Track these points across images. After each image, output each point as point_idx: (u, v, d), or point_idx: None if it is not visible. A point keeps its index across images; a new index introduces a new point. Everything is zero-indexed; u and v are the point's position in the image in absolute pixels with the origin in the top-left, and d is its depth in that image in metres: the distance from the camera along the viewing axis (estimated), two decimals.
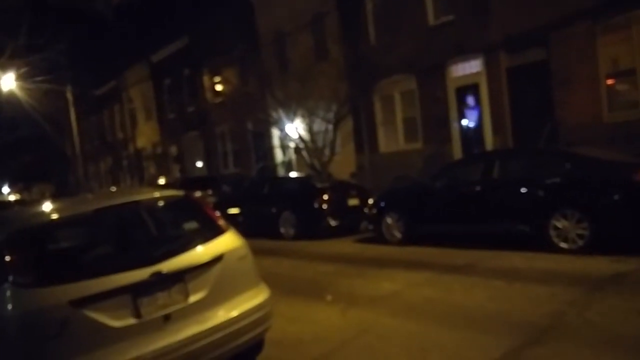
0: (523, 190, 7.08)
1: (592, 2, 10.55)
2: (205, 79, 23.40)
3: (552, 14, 11.21)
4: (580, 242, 6.40)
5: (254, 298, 3.79)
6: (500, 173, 7.45)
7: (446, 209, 7.99)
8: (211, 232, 3.88)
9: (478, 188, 7.60)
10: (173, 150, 27.61)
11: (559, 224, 6.57)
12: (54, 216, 3.74)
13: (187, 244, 3.70)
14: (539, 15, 11.42)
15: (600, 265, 5.85)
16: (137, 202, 4.00)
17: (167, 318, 3.33)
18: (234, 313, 3.60)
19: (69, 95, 27.64)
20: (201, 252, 3.68)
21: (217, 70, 21.61)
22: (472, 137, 13.81)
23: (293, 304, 5.81)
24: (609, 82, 10.92)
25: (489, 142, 13.31)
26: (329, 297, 5.81)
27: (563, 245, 6.55)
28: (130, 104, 31.24)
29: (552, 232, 6.62)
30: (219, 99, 22.41)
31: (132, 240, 3.78)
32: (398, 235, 8.67)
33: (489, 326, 4.35)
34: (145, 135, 30.02)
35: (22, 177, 42.40)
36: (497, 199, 7.36)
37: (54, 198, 31.11)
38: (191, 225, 4.07)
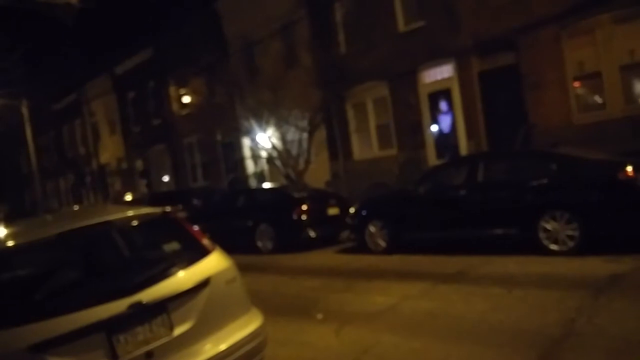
0: (509, 192, 6.92)
1: (558, 7, 10.65)
2: (172, 90, 22.79)
3: (520, 18, 11.29)
4: (571, 244, 6.27)
5: (246, 326, 3.40)
6: (485, 176, 7.27)
7: (431, 215, 7.77)
8: (195, 253, 3.47)
9: (463, 192, 7.41)
10: (139, 164, 26.69)
11: (549, 226, 6.42)
12: (9, 243, 3.19)
13: (169, 269, 3.27)
14: (507, 20, 11.48)
15: (594, 266, 5.70)
16: (108, 223, 3.44)
17: (149, 356, 2.92)
18: (225, 345, 3.19)
19: (25, 110, 26.52)
20: (185, 276, 3.28)
21: (184, 81, 21.02)
22: (446, 142, 13.75)
23: (280, 324, 5.42)
24: (576, 84, 11.04)
25: (464, 147, 13.27)
26: (319, 316, 5.45)
27: (553, 247, 6.39)
28: (92, 117, 30.17)
29: (542, 235, 6.46)
30: (186, 111, 21.82)
31: (104, 267, 3.27)
32: (382, 244, 8.39)
33: (498, 339, 4.08)
34: (109, 150, 29.04)
35: None
36: (483, 203, 7.18)
37: (7, 220, 29.52)
38: (172, 246, 3.64)
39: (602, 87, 10.60)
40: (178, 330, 3.06)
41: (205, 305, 3.22)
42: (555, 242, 6.39)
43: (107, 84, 27.59)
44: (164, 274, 3.20)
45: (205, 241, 3.63)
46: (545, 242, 6.44)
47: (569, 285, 5.15)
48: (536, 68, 11.21)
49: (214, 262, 3.48)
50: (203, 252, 3.50)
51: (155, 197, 16.74)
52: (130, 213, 3.78)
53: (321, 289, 6.71)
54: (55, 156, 34.07)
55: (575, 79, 10.96)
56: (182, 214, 14.86)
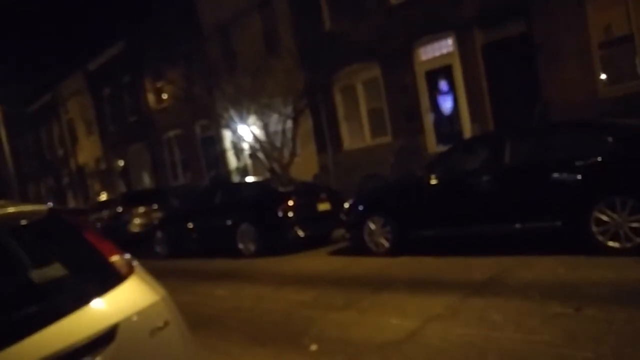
0: (548, 177, 5.49)
1: None
2: (147, 84, 21.35)
3: None
4: (638, 239, 4.86)
5: None
6: (515, 157, 5.79)
7: (447, 207, 6.34)
8: (97, 280, 2.06)
9: (487, 178, 5.98)
10: (118, 164, 25.28)
11: (605, 217, 5.02)
12: None
13: (48, 310, 1.86)
14: None
15: None
16: None
17: None
18: None
19: None
20: (74, 324, 1.85)
21: (159, 73, 19.63)
22: (447, 126, 12.41)
23: (261, 358, 4.03)
24: (603, 52, 9.64)
25: (467, 130, 11.91)
26: (313, 347, 4.02)
27: (612, 244, 4.99)
28: (68, 118, 28.77)
29: (595, 228, 5.06)
30: (163, 105, 20.42)
31: None
32: (385, 243, 6.98)
33: None
34: (87, 151, 27.77)
35: None
36: (513, 191, 5.76)
37: None
38: (57, 268, 2.18)
39: (635, 53, 9.22)
40: None
41: None
42: (615, 237, 4.99)
43: (81, 82, 26.37)
44: (39, 321, 1.77)
45: (117, 259, 2.19)
46: (600, 237, 5.04)
47: None
48: (553, 35, 9.82)
49: (127, 297, 2.05)
50: (110, 279, 2.07)
51: (128, 196, 15.23)
52: None
53: (314, 304, 5.27)
54: (35, 159, 32.62)
55: (602, 45, 9.55)
56: (156, 215, 13.48)
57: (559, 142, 5.72)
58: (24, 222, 2.26)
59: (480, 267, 5.42)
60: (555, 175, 5.43)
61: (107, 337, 1.86)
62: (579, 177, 5.23)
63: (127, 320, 1.93)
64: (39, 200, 33.75)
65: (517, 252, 5.62)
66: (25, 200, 32.21)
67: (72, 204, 29.50)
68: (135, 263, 2.31)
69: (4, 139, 26.39)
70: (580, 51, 9.64)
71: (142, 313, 2.01)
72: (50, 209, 2.36)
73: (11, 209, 2.28)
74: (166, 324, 2.08)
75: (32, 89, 28.80)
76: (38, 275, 2.16)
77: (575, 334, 3.38)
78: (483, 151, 6.35)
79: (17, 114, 28.67)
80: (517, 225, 5.64)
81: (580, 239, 5.21)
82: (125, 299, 2.02)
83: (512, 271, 5.07)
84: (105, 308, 1.95)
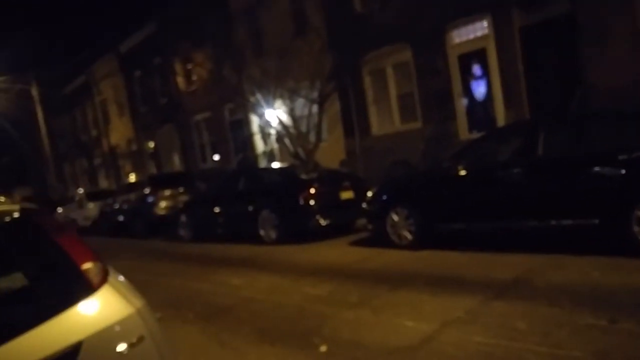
0: (586, 170, 5.05)
1: None
2: (177, 66, 21.31)
3: None
4: None
5: None
6: (549, 148, 5.33)
7: (474, 200, 5.96)
8: (63, 291, 1.85)
9: (518, 170, 5.56)
10: (149, 145, 25.55)
11: None
12: None
13: (7, 326, 1.66)
14: None
15: None
16: None
17: None
18: None
19: (34, 92, 25.94)
20: (29, 343, 1.65)
21: (189, 55, 19.54)
22: (480, 112, 11.88)
23: (268, 357, 3.84)
24: None
25: (501, 117, 11.36)
26: (322, 348, 3.79)
27: None
28: (101, 99, 29.20)
29: (637, 228, 4.60)
30: (192, 87, 20.39)
31: None
32: (408, 236, 6.67)
33: None
34: (119, 132, 28.17)
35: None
36: (546, 184, 5.34)
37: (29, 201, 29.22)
38: (16, 279, 1.95)
39: None
40: None
41: None
42: None
43: (113, 64, 26.62)
44: None
45: (90, 267, 1.97)
46: None
47: None
48: (599, 16, 9.15)
49: (96, 311, 1.84)
50: (78, 290, 1.86)
51: (155, 179, 15.27)
52: None
53: (329, 300, 5.03)
54: (71, 140, 33.38)
55: None
56: (182, 198, 13.48)
57: (600, 132, 5.25)
58: None
59: (506, 265, 5.06)
60: (595, 168, 4.98)
61: (67, 357, 1.65)
62: (622, 171, 4.76)
63: (93, 337, 1.72)
64: (74, 180, 34.63)
65: (548, 250, 5.22)
66: (61, 180, 33.18)
67: (103, 184, 30.09)
68: (111, 270, 2.09)
69: (41, 119, 27.10)
70: (627, 33, 8.95)
71: (111, 328, 1.80)
72: (23, 209, 2.16)
73: None
74: (140, 339, 1.86)
75: (67, 70, 29.28)
76: (10, 281, 1.96)
77: (608, 350, 3.02)
78: (515, 140, 5.92)
79: (53, 96, 29.27)
80: (550, 222, 5.24)
81: (619, 240, 4.78)
82: (93, 313, 1.81)
83: (541, 272, 4.69)
84: (68, 324, 1.74)
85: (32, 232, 2.12)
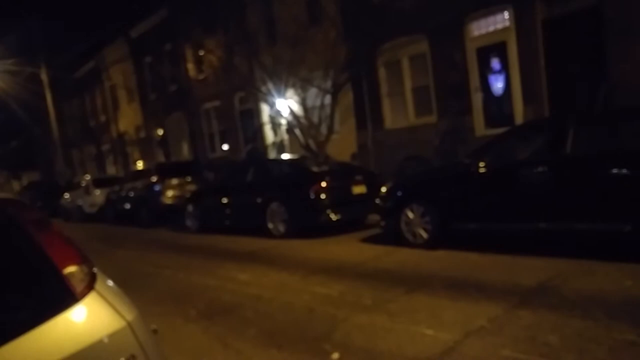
0: (617, 170, 4.72)
1: None
2: (187, 53, 21.02)
3: None
4: None
5: None
6: (577, 146, 5.00)
7: (496, 199, 5.65)
8: (39, 303, 1.58)
9: (543, 169, 5.24)
10: (158, 133, 25.34)
11: None
12: None
13: None
14: None
15: None
16: None
17: None
18: None
19: (44, 77, 25.79)
20: None
21: (200, 42, 19.24)
22: (497, 108, 11.52)
23: None
24: None
25: (519, 113, 10.99)
26: (334, 355, 3.53)
27: None
28: (110, 84, 29.00)
29: None
30: (203, 75, 20.10)
31: None
32: (423, 234, 6.38)
33: None
34: (128, 118, 27.98)
35: (8, 164, 40.01)
36: (573, 185, 5.01)
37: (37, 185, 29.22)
38: None
39: None
40: None
41: None
42: None
43: (124, 49, 26.37)
44: None
45: (74, 271, 1.68)
46: None
47: None
48: (628, 10, 8.75)
49: (78, 325, 1.56)
50: (58, 300, 1.58)
51: (162, 167, 15.02)
52: None
53: (340, 301, 4.76)
54: (79, 125, 33.27)
55: None
56: (189, 187, 13.26)
57: (632, 131, 4.90)
58: None
59: (529, 269, 4.75)
60: (626, 170, 4.66)
61: None
62: None
63: (74, 357, 1.45)
64: (82, 166, 34.55)
65: (574, 255, 4.92)
66: (69, 166, 33.10)
67: (111, 170, 29.96)
68: (99, 275, 1.80)
69: (50, 104, 26.95)
70: None
71: (96, 346, 1.52)
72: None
73: None
74: (131, 359, 1.59)
75: (77, 55, 29.08)
76: None
77: None
78: (541, 138, 5.59)
79: (63, 80, 29.08)
80: (576, 226, 4.92)
81: None
82: (75, 328, 1.53)
83: (567, 278, 4.39)
84: (44, 342, 1.46)
85: (3, 228, 1.81)
